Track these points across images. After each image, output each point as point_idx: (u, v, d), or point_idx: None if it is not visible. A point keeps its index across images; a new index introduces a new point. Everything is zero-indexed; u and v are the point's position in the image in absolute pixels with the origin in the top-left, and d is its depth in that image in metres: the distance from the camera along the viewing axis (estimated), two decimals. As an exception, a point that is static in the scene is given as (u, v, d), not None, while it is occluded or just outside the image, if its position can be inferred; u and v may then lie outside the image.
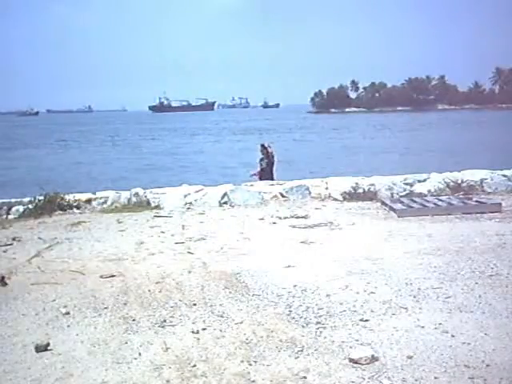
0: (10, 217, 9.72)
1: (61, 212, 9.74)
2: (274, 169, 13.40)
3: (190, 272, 5.81)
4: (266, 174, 13.17)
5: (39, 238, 7.71)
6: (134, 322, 4.44)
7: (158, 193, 10.50)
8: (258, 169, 13.35)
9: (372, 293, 4.93)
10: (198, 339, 4.05)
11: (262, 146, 13.62)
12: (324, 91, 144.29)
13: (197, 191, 10.56)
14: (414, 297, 4.79)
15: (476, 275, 5.34)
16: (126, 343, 4.03)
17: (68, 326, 4.45)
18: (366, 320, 4.28)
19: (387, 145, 40.86)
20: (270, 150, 13.44)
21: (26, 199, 10.03)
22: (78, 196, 10.39)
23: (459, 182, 10.69)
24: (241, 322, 4.34)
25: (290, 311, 4.55)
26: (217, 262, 6.20)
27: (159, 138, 58.44)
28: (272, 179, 12.77)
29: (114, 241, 7.44)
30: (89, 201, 10.27)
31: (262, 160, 13.38)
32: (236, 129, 73.65)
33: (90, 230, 8.20)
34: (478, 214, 8.38)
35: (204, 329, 4.23)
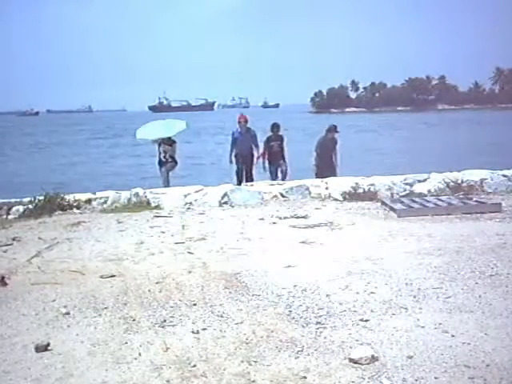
0: (10, 217, 9.71)
1: (61, 212, 9.73)
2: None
3: (190, 272, 5.81)
4: (276, 155, 12.94)
5: (39, 238, 7.71)
6: (134, 322, 4.44)
7: (158, 193, 10.51)
8: (262, 150, 12.98)
9: (372, 293, 4.92)
10: (198, 339, 4.05)
11: (277, 126, 13.15)
12: (324, 91, 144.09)
13: (197, 191, 10.55)
14: (414, 297, 4.79)
15: (476, 275, 5.34)
16: (126, 343, 4.03)
17: (68, 325, 4.45)
18: (366, 320, 4.28)
19: (387, 145, 40.81)
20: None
21: (26, 199, 10.01)
22: (78, 196, 10.38)
23: (459, 181, 10.68)
24: (241, 322, 4.34)
25: (290, 311, 4.55)
26: (217, 261, 6.20)
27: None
28: (284, 162, 12.79)
29: (114, 241, 7.44)
30: (89, 201, 10.27)
31: (270, 140, 12.97)
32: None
33: (89, 230, 8.20)
34: (478, 214, 8.38)
35: (204, 329, 4.23)
